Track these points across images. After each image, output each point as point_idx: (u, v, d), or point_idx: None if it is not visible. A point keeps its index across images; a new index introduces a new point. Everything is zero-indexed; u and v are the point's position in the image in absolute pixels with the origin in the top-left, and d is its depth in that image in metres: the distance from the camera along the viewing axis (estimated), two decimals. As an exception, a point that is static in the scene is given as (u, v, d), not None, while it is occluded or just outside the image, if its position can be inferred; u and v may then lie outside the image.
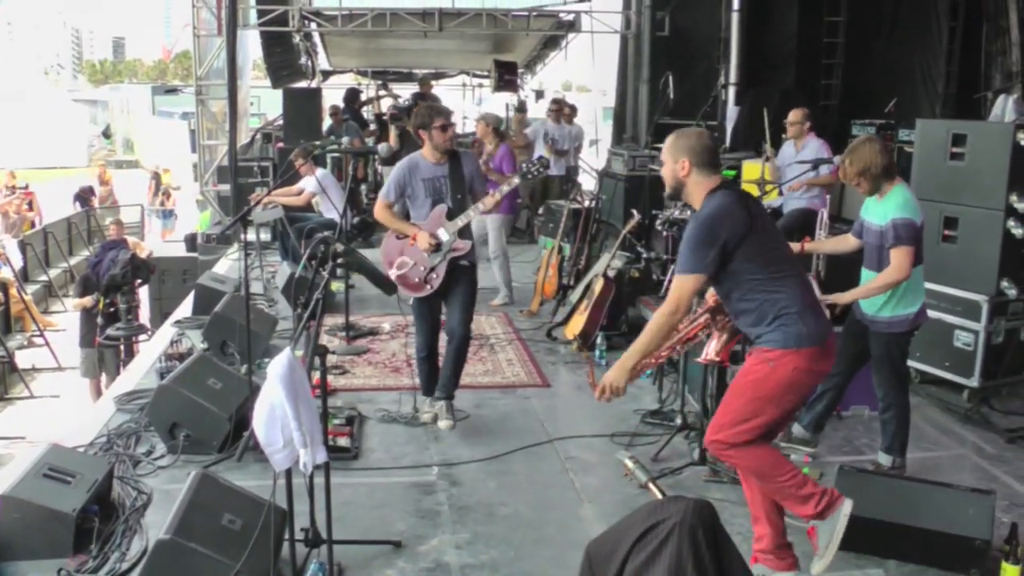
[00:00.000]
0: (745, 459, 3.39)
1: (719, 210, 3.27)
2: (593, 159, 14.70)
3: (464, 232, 5.16)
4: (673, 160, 3.42)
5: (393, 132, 9.71)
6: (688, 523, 2.50)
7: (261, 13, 13.01)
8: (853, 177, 4.36)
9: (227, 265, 9.84)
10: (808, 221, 6.74)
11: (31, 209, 19.02)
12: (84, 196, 20.63)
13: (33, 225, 17.61)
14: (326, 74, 19.40)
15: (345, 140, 11.67)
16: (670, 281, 6.24)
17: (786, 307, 3.26)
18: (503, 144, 8.14)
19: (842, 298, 4.43)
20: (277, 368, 3.01)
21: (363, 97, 15.19)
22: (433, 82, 17.03)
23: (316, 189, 8.50)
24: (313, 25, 13.79)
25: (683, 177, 3.40)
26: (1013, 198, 5.41)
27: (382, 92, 15.68)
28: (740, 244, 3.23)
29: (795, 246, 4.80)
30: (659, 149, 9.36)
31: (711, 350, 4.00)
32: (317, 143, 9.64)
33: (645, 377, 5.98)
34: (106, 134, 47.89)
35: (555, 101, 11.91)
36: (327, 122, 13.25)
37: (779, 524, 3.54)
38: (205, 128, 12.90)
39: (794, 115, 7.28)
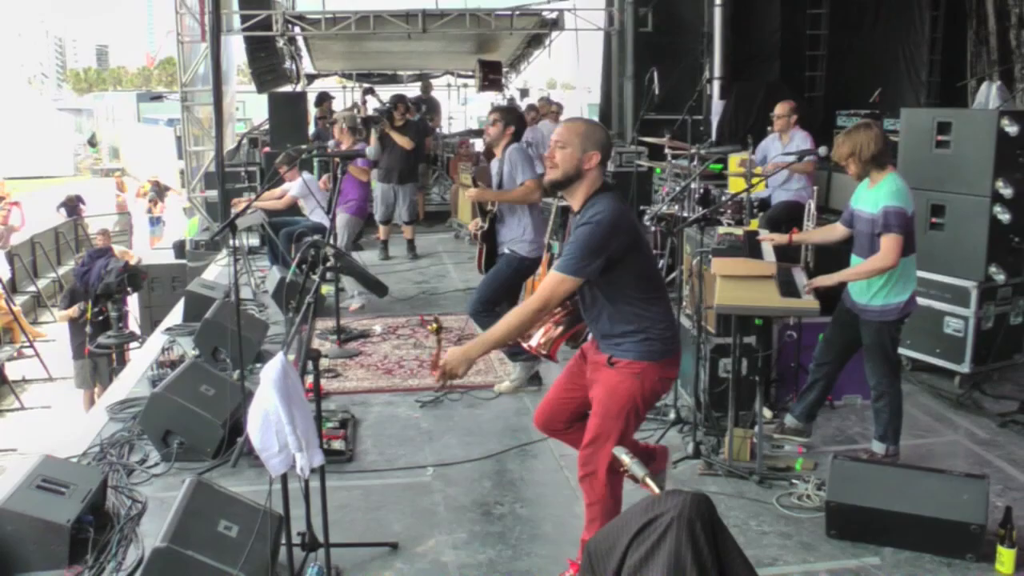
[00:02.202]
0: (614, 492, 3.26)
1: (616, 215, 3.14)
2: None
3: (500, 217, 5.78)
4: (582, 150, 3.18)
5: (373, 135, 9.67)
6: (686, 517, 2.50)
7: (244, 18, 12.97)
8: (843, 157, 4.39)
9: (216, 271, 9.80)
10: (795, 212, 6.76)
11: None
12: (71, 205, 20.54)
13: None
14: (311, 78, 19.35)
15: (331, 143, 11.62)
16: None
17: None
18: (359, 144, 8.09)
19: (828, 280, 4.44)
20: (270, 373, 3.00)
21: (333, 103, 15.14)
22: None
23: (300, 193, 8.47)
24: (297, 29, 13.74)
25: (585, 169, 3.20)
26: (999, 184, 5.44)
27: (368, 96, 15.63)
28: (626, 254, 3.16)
29: (783, 237, 4.83)
30: (645, 144, 9.33)
31: (537, 337, 3.72)
32: (303, 147, 9.60)
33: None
34: (91, 142, 47.71)
35: (531, 107, 11.90)
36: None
37: None
38: (191, 134, 12.84)
39: (781, 108, 7.30)
